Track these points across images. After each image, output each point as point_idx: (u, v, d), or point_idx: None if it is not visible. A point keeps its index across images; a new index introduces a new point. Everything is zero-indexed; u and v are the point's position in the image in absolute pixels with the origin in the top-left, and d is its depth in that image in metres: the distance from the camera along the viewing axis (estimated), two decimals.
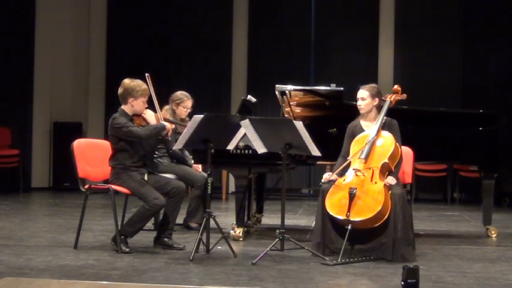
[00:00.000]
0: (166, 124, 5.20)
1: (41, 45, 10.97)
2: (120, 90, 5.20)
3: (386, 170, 5.10)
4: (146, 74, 5.25)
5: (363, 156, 5.07)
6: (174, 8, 11.38)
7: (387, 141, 5.15)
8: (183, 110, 6.35)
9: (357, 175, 5.01)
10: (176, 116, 6.32)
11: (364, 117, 5.35)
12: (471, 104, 9.85)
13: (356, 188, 4.89)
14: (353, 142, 5.24)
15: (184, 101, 6.36)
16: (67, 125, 11.04)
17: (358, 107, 5.31)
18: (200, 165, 6.34)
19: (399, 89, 5.61)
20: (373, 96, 5.27)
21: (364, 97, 5.27)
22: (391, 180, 5.00)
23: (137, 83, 5.18)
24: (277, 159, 5.31)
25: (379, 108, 5.34)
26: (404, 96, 5.61)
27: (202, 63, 11.27)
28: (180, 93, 6.41)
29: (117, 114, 5.14)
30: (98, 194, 8.66)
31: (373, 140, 5.13)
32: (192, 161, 6.33)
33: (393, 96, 5.56)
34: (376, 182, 4.96)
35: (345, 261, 4.68)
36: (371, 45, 11.01)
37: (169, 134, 5.31)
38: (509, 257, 5.18)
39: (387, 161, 5.07)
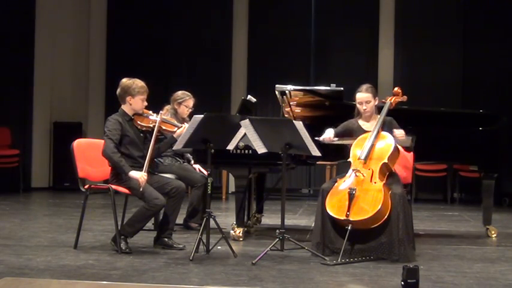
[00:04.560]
0: (138, 178, 4.89)
1: (41, 45, 10.98)
2: (118, 90, 5.20)
3: (386, 171, 5.10)
4: (161, 112, 5.31)
5: (362, 157, 5.07)
6: (174, 9, 11.38)
7: (387, 142, 5.15)
8: (185, 109, 6.35)
9: (356, 175, 5.02)
10: (178, 115, 6.31)
11: (365, 117, 5.36)
12: (471, 104, 9.85)
13: (356, 189, 4.89)
14: (354, 143, 5.23)
15: (186, 100, 6.36)
16: (67, 125, 11.03)
17: (363, 110, 5.32)
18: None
19: (399, 91, 5.60)
20: (374, 96, 5.33)
21: (369, 100, 5.29)
22: (399, 132, 5.13)
23: (134, 81, 5.16)
24: (277, 159, 5.31)
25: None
26: (405, 98, 5.59)
27: (202, 63, 11.27)
28: (181, 93, 6.42)
29: (113, 117, 5.13)
30: (98, 194, 8.66)
31: (373, 141, 5.13)
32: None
33: (393, 98, 5.55)
34: (375, 182, 4.96)
35: (345, 261, 4.68)
36: (371, 45, 11.01)
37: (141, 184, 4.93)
38: (509, 257, 5.18)
39: (387, 162, 5.07)
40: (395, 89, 5.63)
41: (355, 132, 5.35)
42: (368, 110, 5.32)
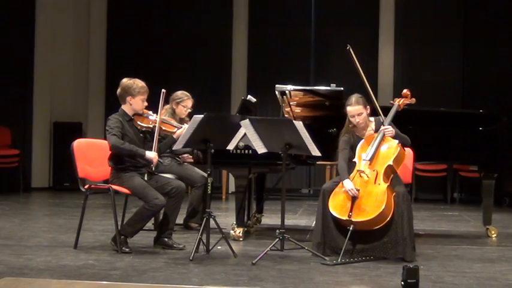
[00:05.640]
0: (153, 158, 5.07)
1: (41, 44, 10.98)
2: (118, 90, 5.21)
3: (391, 173, 5.07)
4: (162, 90, 5.23)
5: (367, 158, 5.04)
6: (174, 8, 11.37)
7: (393, 144, 5.12)
8: (183, 109, 6.35)
9: (360, 176, 5.00)
10: (176, 115, 6.32)
11: (359, 129, 5.26)
12: (471, 104, 9.85)
13: (359, 189, 4.89)
14: (360, 144, 5.17)
15: (184, 100, 6.36)
16: (67, 125, 11.02)
17: (357, 123, 5.16)
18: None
19: (408, 93, 5.53)
20: (365, 106, 5.17)
21: (361, 112, 5.13)
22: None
23: (134, 81, 5.17)
24: (277, 159, 5.31)
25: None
26: (414, 100, 5.53)
27: (202, 63, 11.28)
28: (180, 93, 6.42)
29: (113, 116, 5.14)
30: (98, 194, 8.64)
31: (379, 142, 5.08)
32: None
33: (402, 100, 5.50)
34: (379, 184, 4.94)
35: (345, 261, 4.69)
36: (371, 45, 11.00)
37: (154, 163, 5.12)
38: (509, 257, 5.18)
39: (392, 164, 5.04)
40: (405, 90, 5.55)
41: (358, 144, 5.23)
42: (361, 121, 5.16)
